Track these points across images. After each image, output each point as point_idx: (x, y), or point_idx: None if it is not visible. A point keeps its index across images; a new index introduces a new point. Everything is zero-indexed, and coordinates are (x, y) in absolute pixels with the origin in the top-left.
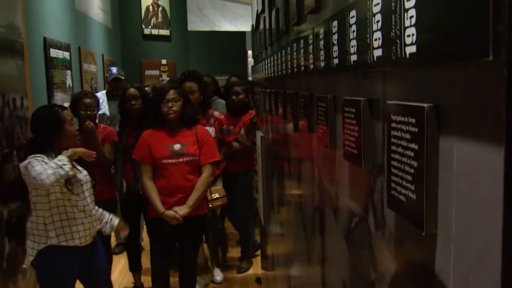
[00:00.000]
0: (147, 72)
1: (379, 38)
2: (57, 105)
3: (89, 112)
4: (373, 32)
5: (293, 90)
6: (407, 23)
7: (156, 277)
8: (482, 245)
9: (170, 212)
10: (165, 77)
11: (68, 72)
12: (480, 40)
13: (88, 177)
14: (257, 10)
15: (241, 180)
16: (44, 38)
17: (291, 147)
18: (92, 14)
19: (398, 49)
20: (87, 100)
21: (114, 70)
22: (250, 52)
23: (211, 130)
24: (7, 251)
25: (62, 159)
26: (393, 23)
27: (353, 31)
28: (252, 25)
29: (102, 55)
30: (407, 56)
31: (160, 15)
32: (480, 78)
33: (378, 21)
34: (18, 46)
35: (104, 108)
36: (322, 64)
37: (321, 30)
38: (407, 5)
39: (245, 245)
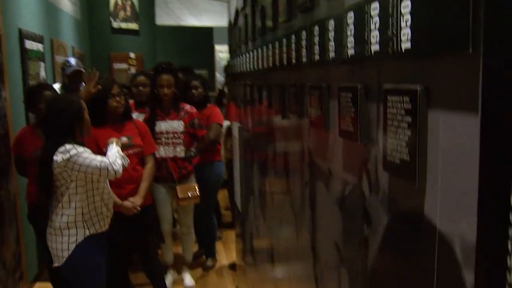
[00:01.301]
0: (116, 66)
1: (376, 36)
2: (72, 94)
3: None
4: (371, 31)
5: (279, 82)
6: (403, 25)
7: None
8: (462, 190)
9: (128, 203)
10: (133, 71)
11: (42, 64)
12: (463, 37)
13: None
14: (236, 7)
15: (201, 173)
16: (20, 29)
17: (276, 133)
18: (62, 6)
19: (395, 45)
20: (49, 93)
21: (73, 61)
22: (217, 47)
23: (180, 124)
24: None
25: (119, 149)
26: (390, 25)
27: (351, 30)
28: (230, 21)
29: (73, 47)
30: (403, 51)
31: (128, 8)
32: (463, 66)
33: (376, 23)
34: None
35: None
36: (317, 57)
37: (316, 28)
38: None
39: (211, 241)
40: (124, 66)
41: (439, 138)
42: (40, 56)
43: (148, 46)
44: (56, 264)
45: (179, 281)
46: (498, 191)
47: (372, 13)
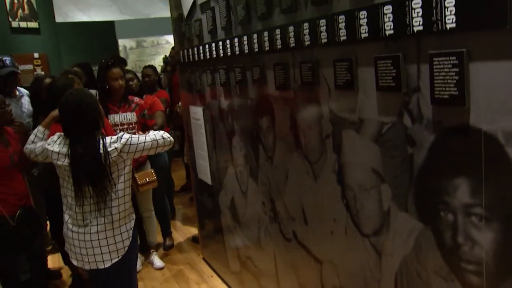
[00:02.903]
0: (21, 67)
1: (419, 21)
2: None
3: (6, 108)
4: (413, 18)
5: (280, 61)
6: (447, 13)
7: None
8: (502, 102)
9: None
10: (39, 71)
11: None
12: (503, 15)
13: None
14: (195, 1)
15: (156, 160)
16: None
17: (274, 104)
18: None
19: (439, 26)
20: (1, 96)
21: (8, 60)
22: (121, 41)
23: (133, 115)
24: None
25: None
26: (434, 14)
27: (389, 17)
28: (181, 14)
29: None
30: (448, 29)
31: (26, 6)
32: (500, 36)
33: (418, 12)
34: None
35: None
36: (344, 38)
37: (342, 17)
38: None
39: (165, 222)
40: (29, 67)
41: (481, 76)
42: None
43: (50, 45)
44: (112, 261)
45: (146, 263)
46: None
47: (414, 6)
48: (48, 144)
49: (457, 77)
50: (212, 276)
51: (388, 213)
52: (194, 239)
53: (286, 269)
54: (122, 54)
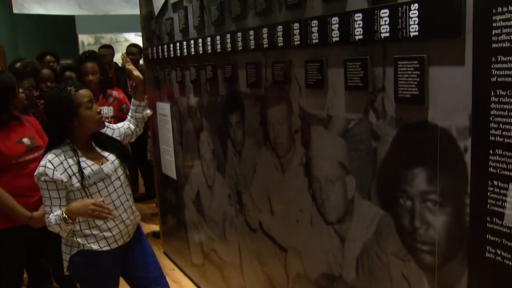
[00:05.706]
0: None
1: (386, 28)
2: (73, 83)
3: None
4: (380, 25)
5: (252, 60)
6: (411, 22)
7: None
8: (455, 102)
9: (39, 213)
10: None
11: None
12: (458, 28)
13: (116, 162)
14: (166, 0)
15: None
16: None
17: (245, 101)
18: None
19: (404, 33)
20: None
21: None
22: (81, 36)
23: (110, 109)
24: None
25: (57, 216)
26: (400, 22)
27: (359, 24)
28: (151, 11)
29: None
30: (411, 36)
31: None
32: (453, 44)
33: (386, 20)
34: None
35: None
36: (316, 41)
37: (315, 21)
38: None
39: None
40: None
41: (438, 79)
42: None
43: (7, 36)
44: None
45: None
46: (480, 99)
47: (382, 15)
48: None
49: (418, 79)
50: (173, 270)
51: (352, 202)
52: (154, 235)
53: (251, 259)
54: (80, 50)
